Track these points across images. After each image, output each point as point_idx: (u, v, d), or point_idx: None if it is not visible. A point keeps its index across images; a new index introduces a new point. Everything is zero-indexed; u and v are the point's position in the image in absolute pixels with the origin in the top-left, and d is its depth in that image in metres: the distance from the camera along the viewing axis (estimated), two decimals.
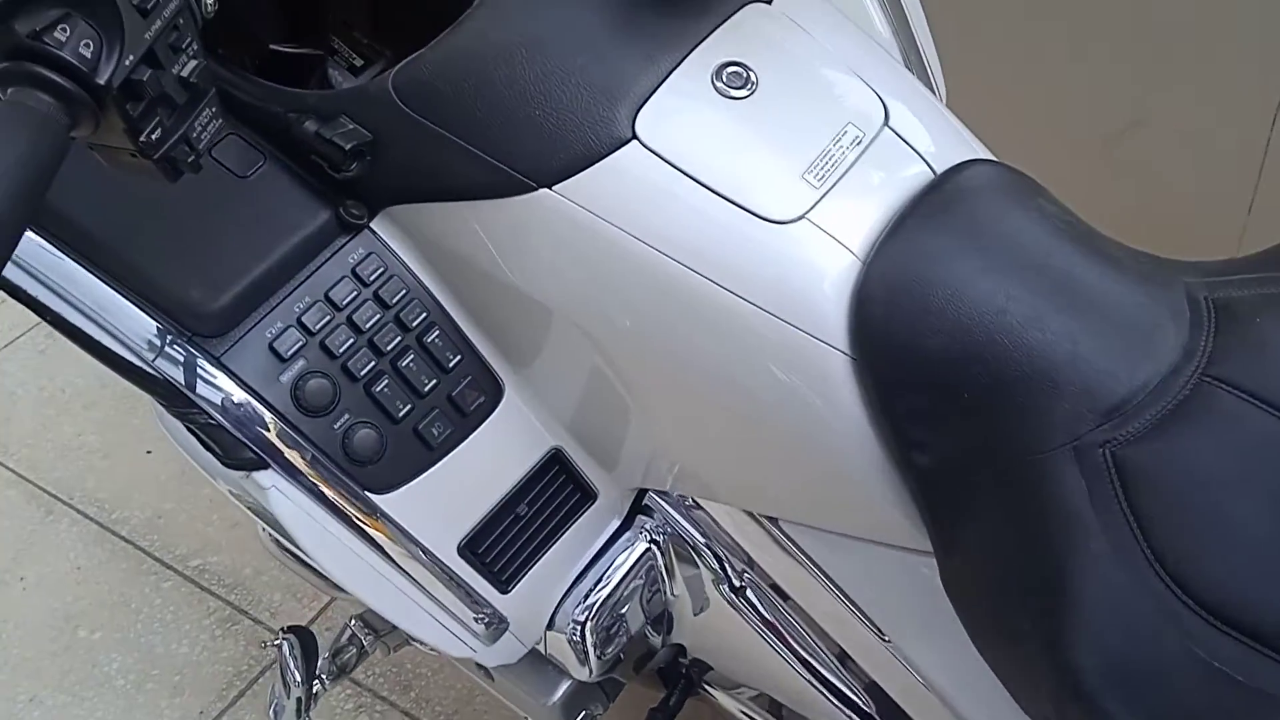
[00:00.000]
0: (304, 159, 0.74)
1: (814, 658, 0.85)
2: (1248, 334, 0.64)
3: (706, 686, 1.01)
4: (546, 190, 0.69)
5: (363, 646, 1.10)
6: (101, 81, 0.52)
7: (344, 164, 0.72)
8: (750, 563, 0.84)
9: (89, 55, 0.52)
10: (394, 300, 0.76)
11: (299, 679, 1.05)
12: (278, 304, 0.73)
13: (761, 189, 0.68)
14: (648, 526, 0.87)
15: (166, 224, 0.73)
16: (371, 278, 0.75)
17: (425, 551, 0.78)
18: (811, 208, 0.68)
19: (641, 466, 0.84)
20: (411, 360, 0.76)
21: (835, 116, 0.71)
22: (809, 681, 0.86)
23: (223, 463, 0.74)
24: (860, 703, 0.86)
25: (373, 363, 0.75)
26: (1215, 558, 0.58)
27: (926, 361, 0.65)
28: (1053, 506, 0.61)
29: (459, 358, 0.78)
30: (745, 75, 0.71)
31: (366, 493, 0.75)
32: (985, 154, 0.74)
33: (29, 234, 0.67)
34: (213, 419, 0.72)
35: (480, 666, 0.95)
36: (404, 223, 0.76)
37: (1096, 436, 0.61)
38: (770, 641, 0.86)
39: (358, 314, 0.74)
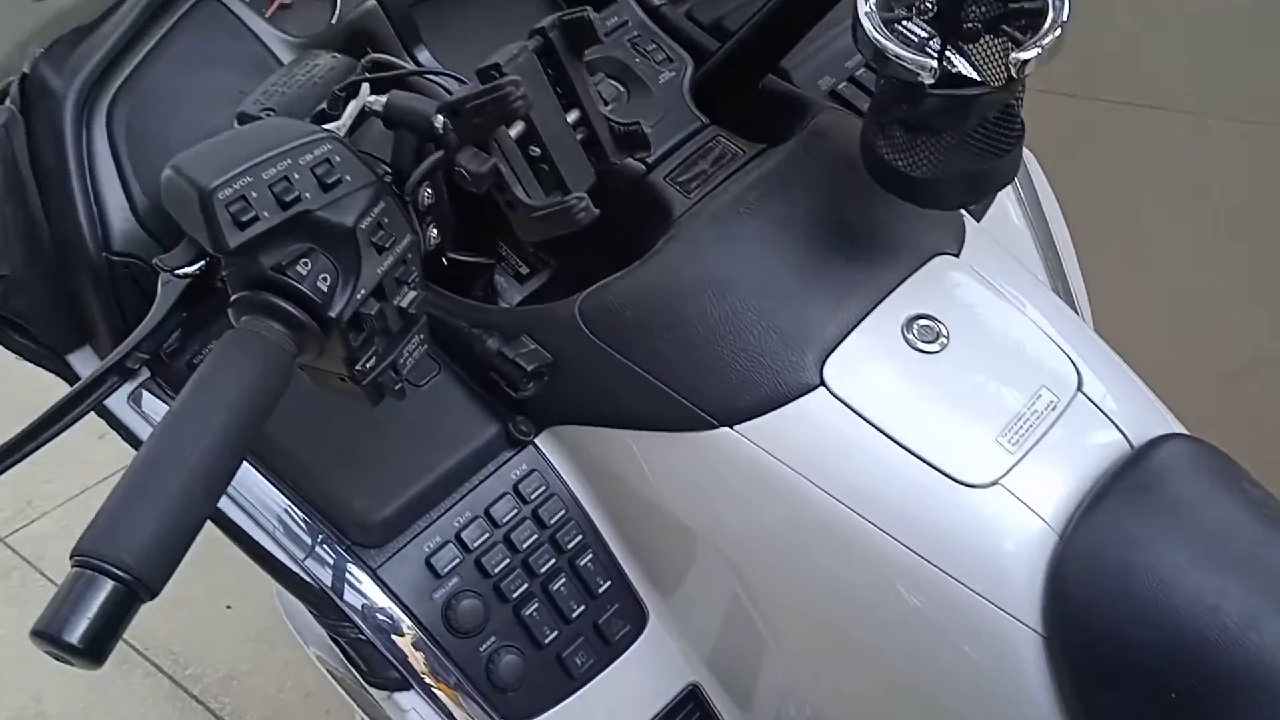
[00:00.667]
0: (481, 374, 0.74)
1: None
2: None
3: None
4: (728, 430, 0.68)
5: None
6: (334, 314, 0.53)
7: (523, 384, 0.71)
8: None
9: (325, 289, 0.53)
10: (552, 520, 0.74)
11: None
12: (438, 517, 0.72)
13: (954, 449, 0.66)
14: None
15: (335, 427, 0.73)
16: (532, 496, 0.74)
17: None
18: (1006, 473, 0.65)
19: (777, 710, 0.80)
20: (563, 584, 0.74)
21: (1029, 378, 0.69)
22: None
23: (366, 680, 0.71)
24: None
25: (525, 585, 0.72)
26: None
27: (1130, 653, 0.61)
28: None
29: (608, 583, 0.75)
30: (936, 329, 0.70)
31: None
32: (1178, 425, 0.72)
33: None
34: (362, 633, 0.69)
35: None
36: (569, 442, 0.75)
37: None
38: None
39: (515, 533, 0.73)
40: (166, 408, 0.72)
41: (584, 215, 0.56)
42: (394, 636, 0.70)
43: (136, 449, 0.73)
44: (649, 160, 0.68)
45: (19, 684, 1.58)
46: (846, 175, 0.74)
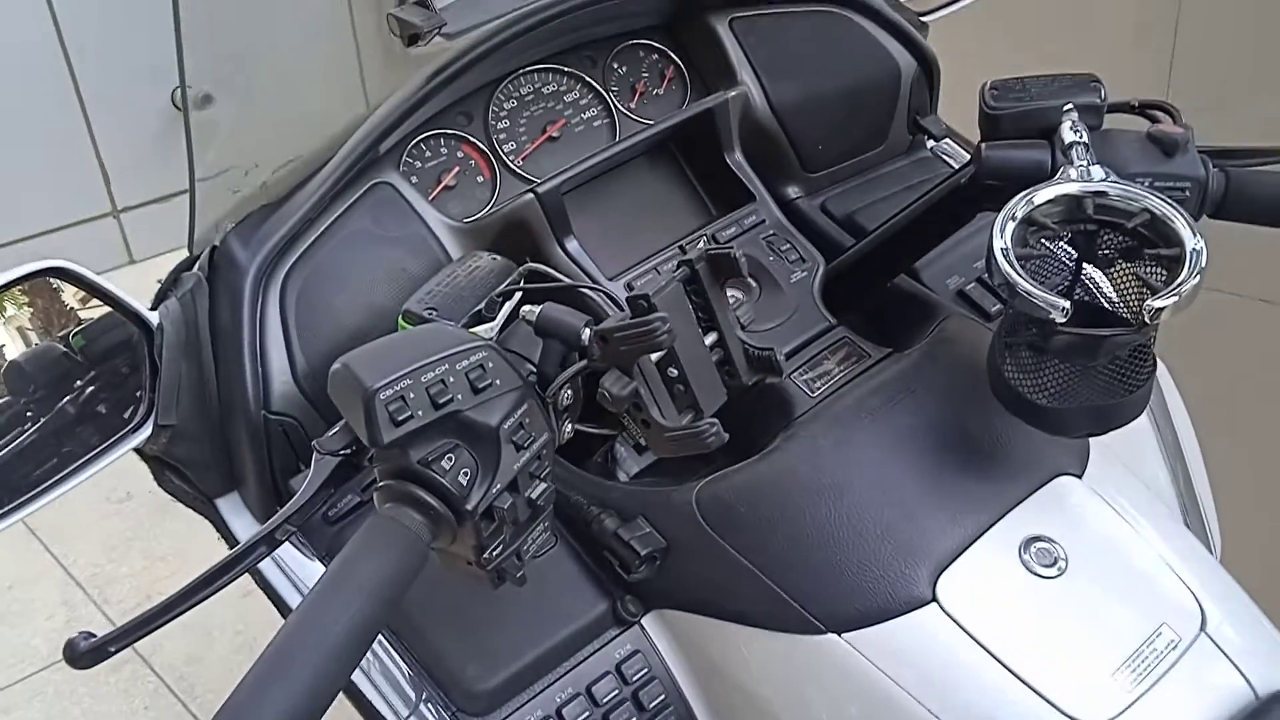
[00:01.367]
0: (595, 550, 0.76)
1: None
2: None
3: None
4: (835, 636, 0.68)
5: None
6: (470, 507, 0.56)
7: (635, 566, 0.73)
8: None
9: (464, 482, 0.56)
10: (651, 704, 0.74)
11: None
12: (541, 690, 0.73)
13: (1067, 682, 0.64)
14: None
15: (448, 589, 0.75)
16: (634, 677, 0.75)
17: None
18: (1120, 713, 0.63)
19: None
20: None
21: (1149, 613, 0.68)
22: None
23: None
24: None
25: None
26: None
27: None
28: None
29: None
30: (1054, 553, 0.69)
31: None
32: None
33: None
34: None
35: None
36: (675, 627, 0.76)
37: None
38: None
39: (615, 714, 0.73)
40: (302, 558, 0.76)
41: (714, 440, 0.58)
42: None
43: (272, 599, 0.77)
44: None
45: None
46: (970, 386, 0.75)
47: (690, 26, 1.00)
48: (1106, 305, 0.68)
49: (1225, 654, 0.67)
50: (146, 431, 0.75)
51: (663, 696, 0.75)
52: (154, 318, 0.76)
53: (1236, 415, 1.42)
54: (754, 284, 0.85)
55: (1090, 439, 0.77)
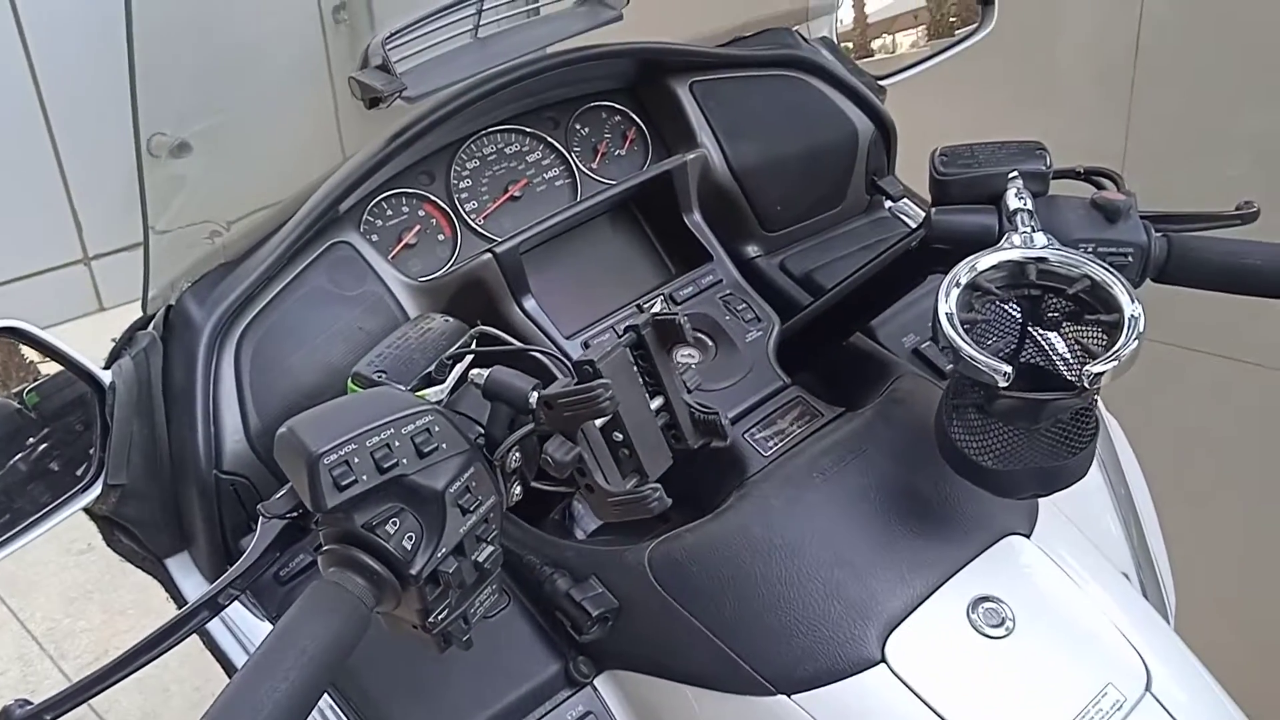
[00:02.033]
0: (547, 610, 0.76)
1: None
2: None
3: None
4: (785, 698, 0.68)
5: None
6: (414, 572, 0.56)
7: (587, 627, 0.73)
8: None
9: (408, 547, 0.56)
10: None
11: None
12: None
13: None
14: None
15: (396, 651, 0.74)
16: None
17: None
18: None
19: None
20: None
21: (1096, 673, 0.68)
22: None
23: None
24: None
25: None
26: None
27: None
28: None
29: None
30: (1001, 613, 0.70)
31: None
32: None
33: None
34: None
35: None
36: (627, 687, 0.76)
37: None
38: None
39: None
40: (252, 618, 0.75)
41: (656, 506, 0.59)
42: None
43: (219, 660, 0.76)
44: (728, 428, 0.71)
45: None
46: (921, 446, 0.76)
47: (652, 89, 1.02)
48: (1053, 367, 0.70)
49: (1170, 714, 0.68)
50: (96, 491, 0.74)
51: None
52: (106, 376, 0.75)
53: (1187, 468, 1.44)
54: (710, 343, 0.86)
55: (1040, 501, 0.78)
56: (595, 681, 0.76)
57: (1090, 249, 0.72)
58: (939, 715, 0.66)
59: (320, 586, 0.55)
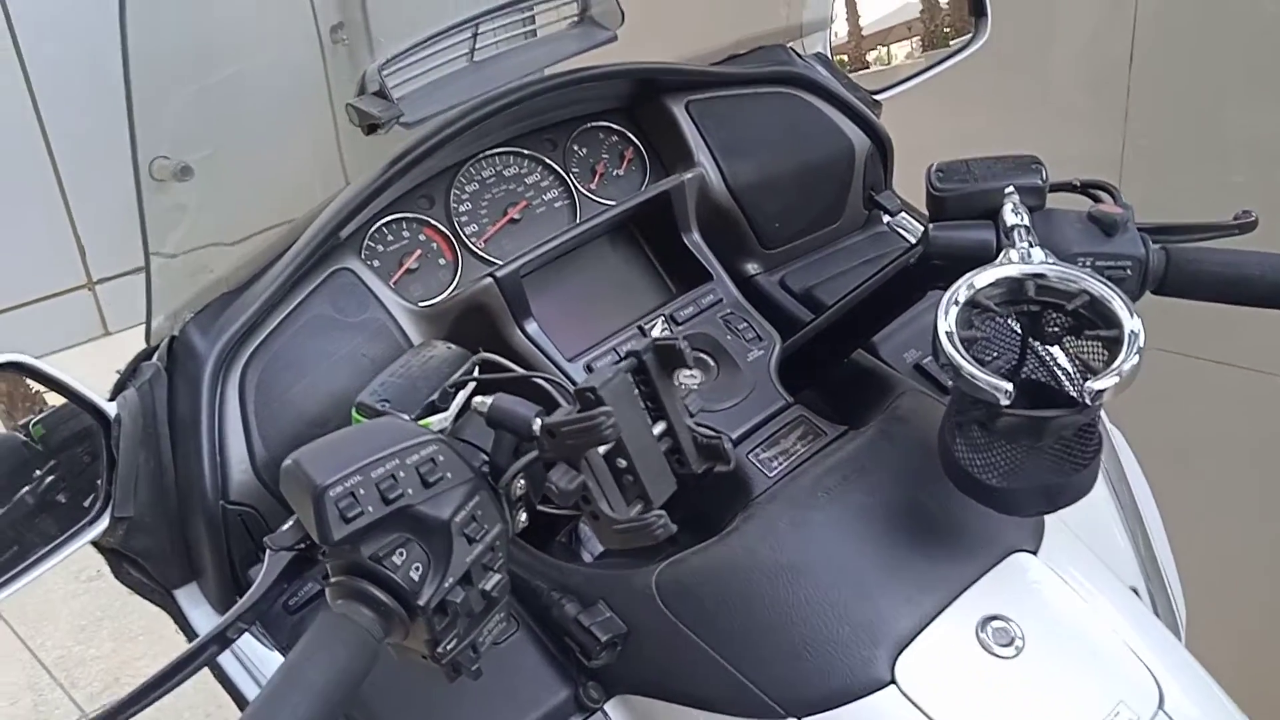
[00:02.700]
0: (557, 637, 0.75)
1: None
2: None
3: None
4: None
5: None
6: (422, 602, 0.56)
7: (596, 653, 0.73)
8: None
9: (415, 578, 0.56)
10: None
11: None
12: None
13: None
14: None
15: (406, 677, 0.74)
16: None
17: None
18: None
19: None
20: None
21: (1107, 692, 0.68)
22: None
23: None
24: None
25: None
26: None
27: None
28: None
29: None
30: (1011, 632, 0.70)
31: None
32: None
33: None
34: None
35: None
36: (638, 712, 0.75)
37: None
38: None
39: None
40: (262, 649, 0.75)
41: (661, 533, 0.59)
42: None
43: (230, 692, 0.76)
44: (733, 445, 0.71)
45: None
46: (925, 463, 0.75)
47: (648, 109, 1.03)
48: (1056, 382, 0.70)
49: None
50: (103, 524, 0.74)
51: None
52: (111, 409, 0.76)
53: (1194, 478, 1.44)
54: (712, 363, 0.86)
55: (1047, 517, 0.77)
56: (605, 707, 0.76)
57: (1088, 263, 0.72)
58: None
59: (328, 619, 0.55)
